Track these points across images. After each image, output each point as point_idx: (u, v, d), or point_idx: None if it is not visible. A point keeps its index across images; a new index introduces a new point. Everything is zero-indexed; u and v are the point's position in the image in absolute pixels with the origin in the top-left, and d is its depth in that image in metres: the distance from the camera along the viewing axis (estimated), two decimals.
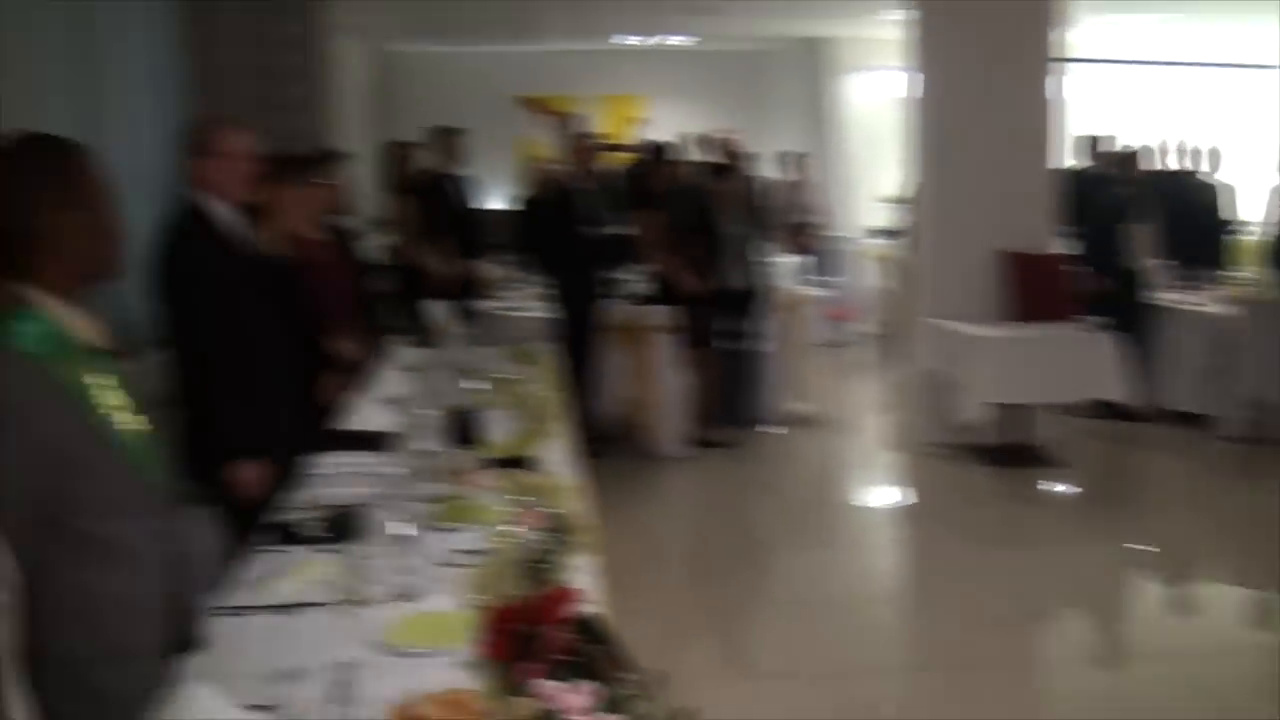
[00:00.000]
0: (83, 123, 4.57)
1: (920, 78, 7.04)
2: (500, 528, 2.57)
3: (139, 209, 5.05)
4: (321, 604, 2.28)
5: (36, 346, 1.86)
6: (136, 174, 5.17)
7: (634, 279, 7.16)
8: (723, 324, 7.05)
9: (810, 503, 6.51)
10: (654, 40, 12.71)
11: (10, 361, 1.83)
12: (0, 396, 1.80)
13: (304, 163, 4.48)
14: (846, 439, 7.89)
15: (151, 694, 1.89)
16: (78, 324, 1.94)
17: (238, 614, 2.28)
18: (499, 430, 3.56)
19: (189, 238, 3.34)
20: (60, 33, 4.38)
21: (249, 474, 3.25)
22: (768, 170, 10.27)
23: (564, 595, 2.03)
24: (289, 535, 2.65)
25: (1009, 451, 6.62)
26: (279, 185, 3.93)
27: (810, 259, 9.74)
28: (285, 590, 2.37)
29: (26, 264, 1.91)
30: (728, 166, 7.55)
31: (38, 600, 1.83)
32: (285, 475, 3.14)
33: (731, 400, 7.23)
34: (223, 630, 2.20)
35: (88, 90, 4.66)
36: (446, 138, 7.37)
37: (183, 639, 2.11)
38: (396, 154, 7.06)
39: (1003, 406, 6.52)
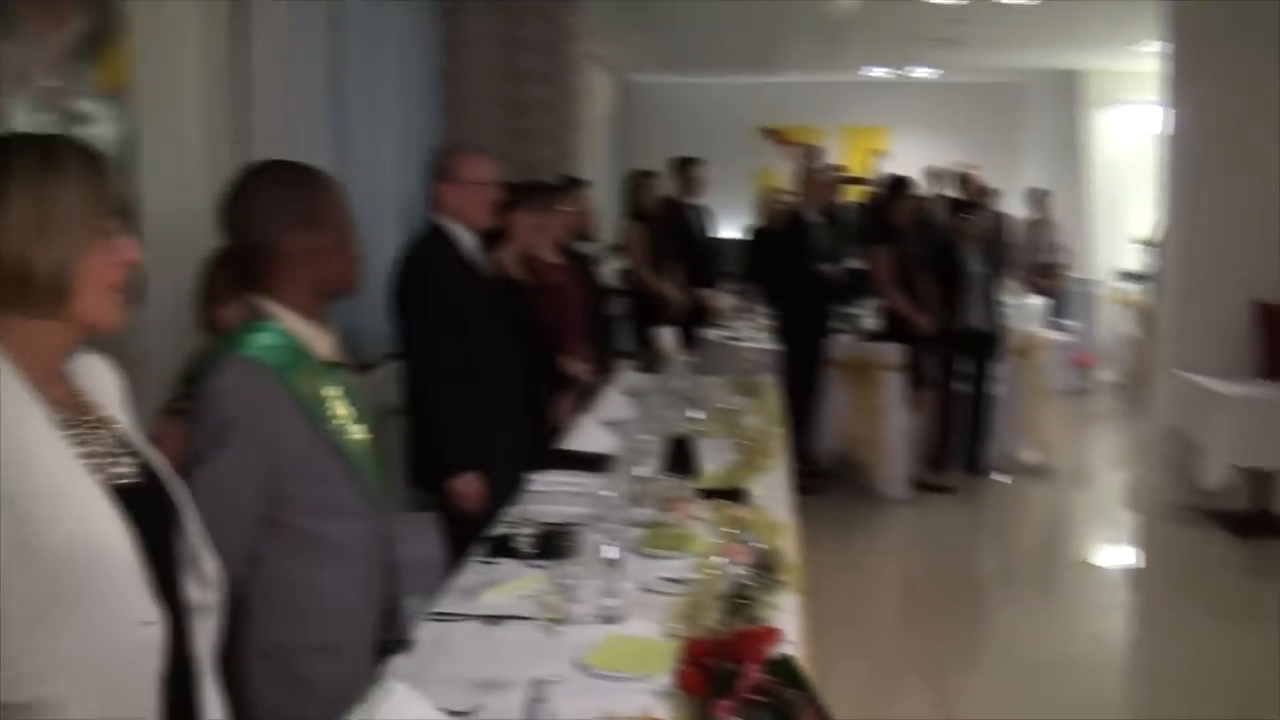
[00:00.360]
0: (335, 147, 4.86)
1: (1173, 113, 6.68)
2: (707, 559, 2.57)
3: (384, 229, 5.38)
4: (526, 619, 2.33)
5: (272, 356, 1.99)
6: (384, 196, 5.47)
7: (864, 314, 7.05)
8: (956, 365, 6.85)
9: (1034, 557, 6.22)
10: (898, 72, 12.51)
11: (247, 368, 1.97)
12: (235, 399, 1.94)
13: (544, 190, 4.62)
14: (1078, 493, 7.51)
15: (356, 688, 1.97)
16: (313, 337, 2.07)
17: (446, 620, 2.36)
18: (715, 460, 3.56)
19: (429, 259, 3.51)
20: (319, 64, 4.67)
21: (470, 487, 3.37)
22: (1011, 207, 9.95)
23: (765, 634, 2.01)
24: (502, 549, 2.72)
25: (1255, 520, 6.13)
26: (518, 211, 4.07)
27: (1051, 301, 9.37)
28: (493, 602, 2.43)
29: (268, 279, 2.06)
30: (970, 202, 7.35)
31: (253, 593, 1.95)
32: (507, 490, 3.23)
33: (958, 444, 7.01)
34: (430, 634, 2.28)
35: (340, 118, 4.94)
36: (685, 168, 7.48)
37: (391, 639, 2.21)
38: (637, 183, 7.21)
39: (1250, 471, 6.06)
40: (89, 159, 1.44)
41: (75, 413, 1.45)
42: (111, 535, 1.38)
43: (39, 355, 1.41)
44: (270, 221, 2.04)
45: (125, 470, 1.47)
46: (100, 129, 3.20)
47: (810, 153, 9.42)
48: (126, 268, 1.46)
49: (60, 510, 1.33)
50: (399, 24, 5.74)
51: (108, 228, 1.43)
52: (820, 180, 6.85)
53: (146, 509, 1.46)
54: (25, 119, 2.86)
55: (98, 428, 1.47)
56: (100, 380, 1.56)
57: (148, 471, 1.52)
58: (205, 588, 1.61)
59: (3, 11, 2.79)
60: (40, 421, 1.37)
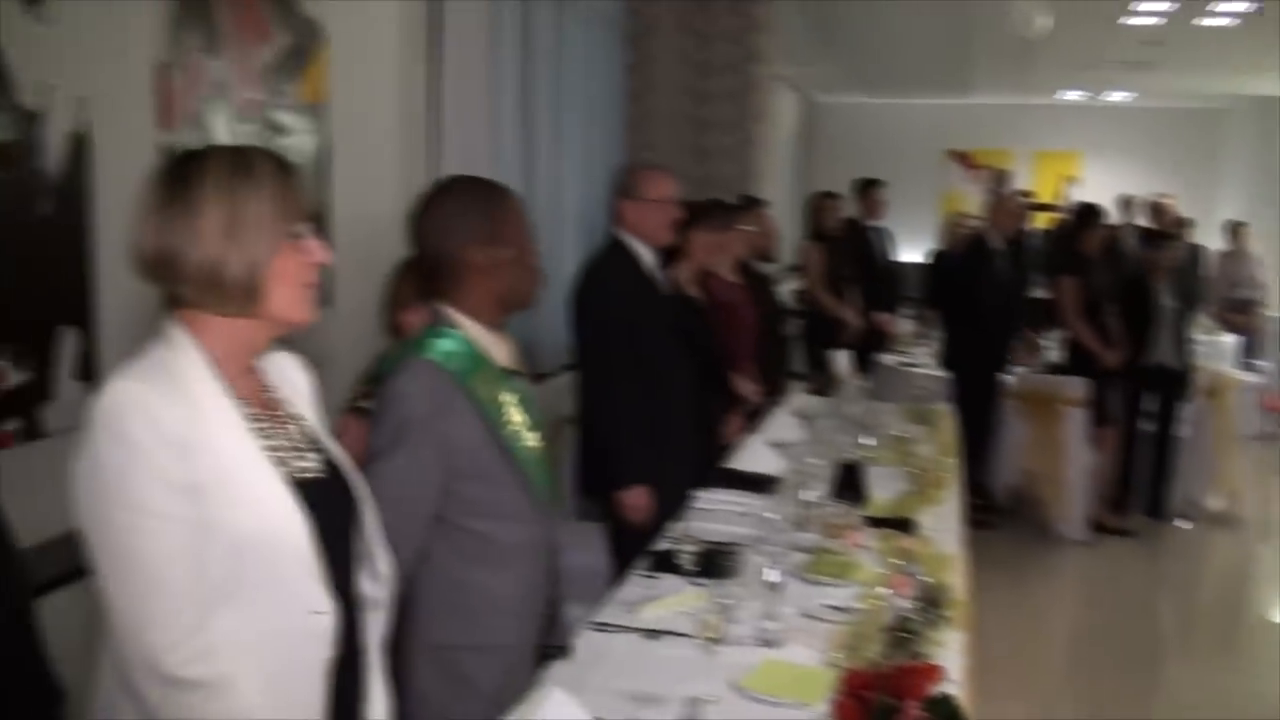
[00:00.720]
0: (521, 162, 4.98)
1: None
2: (872, 589, 2.53)
3: (565, 243, 5.48)
4: (685, 635, 2.33)
5: (453, 361, 2.05)
6: (566, 211, 5.58)
7: (1048, 346, 6.82)
8: (1141, 402, 6.56)
9: (1215, 611, 5.87)
10: (1092, 95, 12.08)
11: (428, 371, 2.04)
12: (416, 400, 2.00)
13: (723, 209, 4.63)
14: (1265, 545, 7.05)
15: (516, 689, 2.02)
16: (493, 345, 2.13)
17: (605, 630, 2.38)
18: (884, 488, 3.50)
19: (608, 273, 3.56)
20: (509, 82, 4.80)
21: (638, 500, 3.40)
22: (1206, 239, 9.48)
23: (927, 671, 1.97)
24: (665, 564, 2.73)
25: None
26: (696, 229, 4.09)
27: (1244, 339, 8.88)
28: (653, 616, 2.44)
29: (452, 289, 2.13)
30: (1163, 233, 7.03)
31: (420, 591, 2.01)
32: (673, 506, 3.24)
33: (1140, 486, 6.70)
34: (590, 643, 2.31)
35: (526, 134, 5.06)
36: (868, 189, 7.39)
37: (552, 644, 2.25)
38: (818, 204, 7.16)
39: None
40: (278, 166, 1.52)
41: (263, 408, 1.54)
42: (290, 526, 1.46)
43: (231, 351, 1.50)
44: (454, 234, 2.12)
45: (309, 465, 1.55)
46: (298, 140, 3.36)
47: (999, 177, 9.18)
48: (316, 268, 1.54)
49: (243, 499, 1.42)
50: (586, 45, 5.85)
51: (298, 230, 1.51)
52: (1008, 206, 6.64)
53: (327, 503, 1.54)
54: (226, 130, 3.03)
55: (285, 423, 1.56)
56: (290, 378, 1.65)
57: (331, 467, 1.60)
58: (378, 583, 1.68)
59: (210, 28, 2.96)
60: (230, 414, 1.46)
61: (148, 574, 1.37)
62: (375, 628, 1.70)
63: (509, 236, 2.13)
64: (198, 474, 1.40)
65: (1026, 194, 8.48)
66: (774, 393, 4.93)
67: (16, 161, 2.35)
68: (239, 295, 1.46)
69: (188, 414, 1.41)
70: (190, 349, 1.47)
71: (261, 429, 1.51)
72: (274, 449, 1.50)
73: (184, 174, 1.45)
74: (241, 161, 1.48)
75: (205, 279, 1.44)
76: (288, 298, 1.50)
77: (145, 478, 1.37)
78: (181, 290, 1.46)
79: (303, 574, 1.47)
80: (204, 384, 1.45)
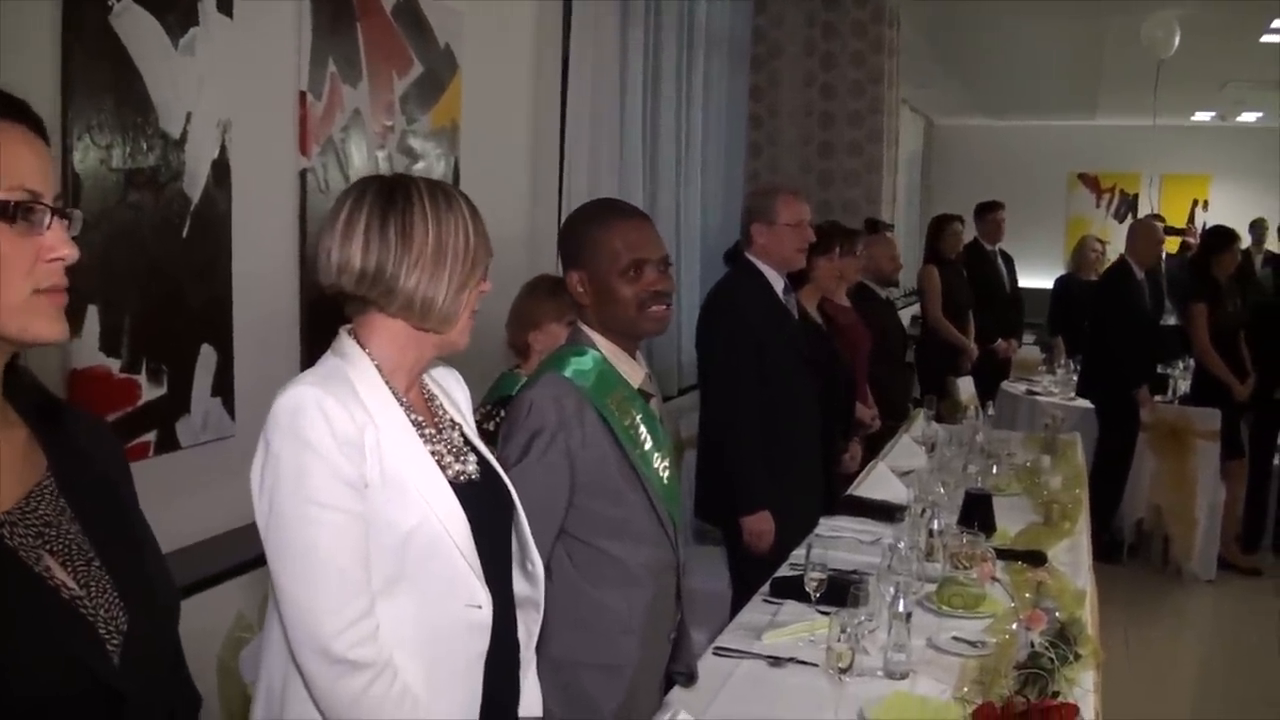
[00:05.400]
0: (648, 188, 5.01)
1: None
2: (1004, 623, 2.47)
3: (691, 267, 5.49)
4: (808, 664, 2.30)
5: (586, 379, 2.07)
6: (692, 235, 5.59)
7: (1180, 376, 6.58)
8: (1275, 436, 6.29)
9: None
10: (1222, 117, 11.67)
11: (562, 386, 2.06)
12: (548, 415, 2.03)
13: (845, 233, 4.59)
14: None
15: (637, 711, 2.02)
16: (626, 366, 2.13)
17: (729, 656, 2.36)
18: (1011, 520, 3.42)
19: (738, 297, 3.55)
20: (635, 109, 4.84)
21: (762, 525, 3.36)
22: None
23: (1063, 710, 1.91)
24: (788, 590, 2.70)
25: None
26: (819, 253, 4.04)
27: None
28: (776, 643, 2.42)
29: (585, 309, 2.14)
30: None
31: (546, 606, 2.01)
32: (797, 531, 3.20)
33: (1271, 523, 6.41)
34: (712, 668, 2.29)
35: (652, 160, 5.09)
36: (989, 213, 7.24)
37: (676, 668, 2.23)
38: (939, 227, 7.04)
39: None
40: (470, 203, 1.62)
41: (427, 415, 1.65)
42: (451, 523, 1.55)
43: (401, 363, 1.61)
44: (569, 257, 2.15)
45: (467, 469, 1.64)
46: (428, 164, 3.43)
47: (1126, 201, 8.91)
48: (482, 298, 1.64)
49: (409, 497, 1.53)
50: (711, 69, 5.88)
51: (485, 262, 1.61)
52: (1150, 236, 6.39)
53: (484, 505, 1.63)
54: (360, 156, 3.10)
55: (446, 429, 1.66)
56: (451, 389, 1.77)
57: (487, 472, 1.69)
58: (532, 583, 1.76)
59: (351, 57, 3.04)
60: (398, 419, 1.57)
61: (321, 562, 1.46)
62: (529, 627, 1.77)
63: (596, 268, 2.11)
64: (368, 472, 1.50)
65: (1157, 218, 8.23)
66: (894, 418, 4.85)
67: (160, 187, 2.44)
68: (438, 316, 1.57)
69: (360, 417, 1.50)
70: (363, 359, 1.57)
71: (425, 434, 1.60)
72: (436, 452, 1.60)
73: (394, 198, 1.55)
74: (442, 194, 1.58)
75: (415, 297, 1.55)
76: (465, 324, 1.61)
77: (321, 474, 1.46)
78: (386, 304, 1.56)
79: (462, 569, 1.55)
80: (375, 391, 1.55)
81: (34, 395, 1.15)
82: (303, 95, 2.87)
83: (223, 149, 2.60)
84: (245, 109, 2.66)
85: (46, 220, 1.06)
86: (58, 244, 1.07)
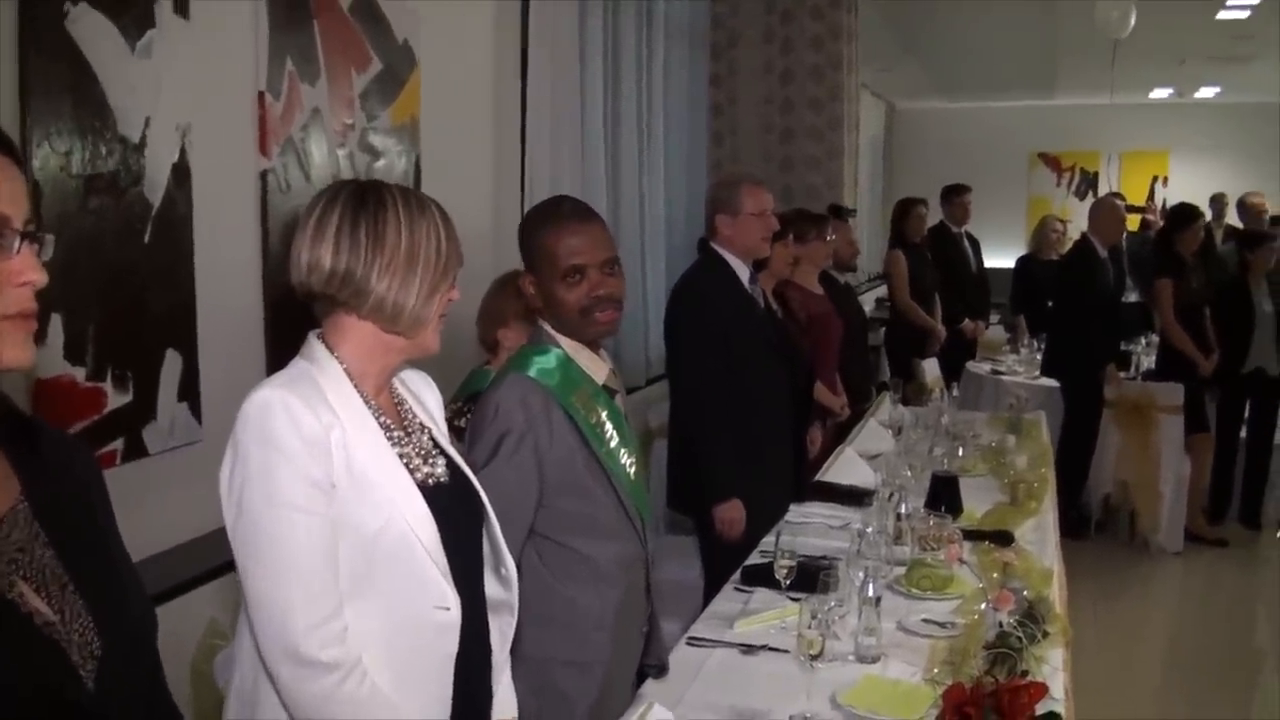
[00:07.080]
0: (609, 178, 5.01)
1: None
2: (972, 604, 2.49)
3: (654, 258, 5.50)
4: (781, 651, 2.32)
5: (550, 377, 2.08)
6: (654, 226, 5.59)
7: (1143, 351, 6.66)
8: (1240, 410, 6.37)
9: None
10: (1180, 93, 11.77)
11: (527, 386, 2.08)
12: (514, 415, 2.04)
13: (806, 219, 4.61)
14: None
15: (611, 705, 2.04)
16: (590, 363, 2.15)
17: (701, 645, 2.38)
18: (978, 500, 3.45)
19: (704, 287, 3.56)
20: (595, 101, 4.84)
21: (732, 514, 3.38)
22: None
23: (1032, 689, 1.94)
24: (759, 578, 2.72)
25: None
26: (784, 240, 4.06)
27: None
28: (748, 631, 2.44)
29: (544, 307, 2.15)
30: (1260, 234, 6.80)
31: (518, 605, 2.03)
32: (766, 519, 3.23)
33: (1236, 494, 6.50)
34: (685, 658, 2.31)
35: (612, 151, 5.09)
36: (955, 195, 7.29)
37: (648, 661, 2.25)
38: (903, 210, 7.08)
39: None
40: (441, 211, 1.62)
41: (395, 417, 1.65)
42: (418, 525, 1.55)
43: (370, 366, 1.61)
44: (524, 260, 2.17)
45: (436, 471, 1.65)
46: (389, 161, 3.42)
47: (1085, 179, 9.00)
48: (451, 304, 1.64)
49: (376, 498, 1.53)
50: (671, 59, 5.88)
51: (455, 270, 1.62)
52: (1113, 214, 6.44)
53: (453, 507, 1.64)
54: (321, 154, 3.09)
55: (414, 432, 1.67)
56: (422, 393, 1.77)
57: (456, 474, 1.69)
58: (506, 586, 1.77)
59: (309, 56, 3.02)
60: (366, 421, 1.57)
61: (289, 563, 1.46)
62: (503, 630, 1.78)
63: (543, 270, 2.12)
64: (335, 474, 1.50)
65: (1116, 196, 8.31)
66: (860, 403, 4.88)
67: (121, 192, 2.43)
68: (408, 320, 1.58)
69: (326, 418, 1.51)
70: (331, 363, 1.58)
71: (393, 436, 1.60)
72: (404, 455, 1.60)
73: (366, 201, 1.56)
74: (415, 201, 1.60)
75: (386, 300, 1.56)
76: (434, 330, 1.62)
77: (288, 475, 1.47)
78: (356, 306, 1.56)
79: (429, 570, 1.56)
80: (343, 393, 1.56)
81: (6, 417, 1.13)
82: (261, 95, 2.86)
83: (182, 152, 2.59)
84: (204, 111, 2.65)
85: (16, 245, 1.05)
86: (26, 269, 1.06)
